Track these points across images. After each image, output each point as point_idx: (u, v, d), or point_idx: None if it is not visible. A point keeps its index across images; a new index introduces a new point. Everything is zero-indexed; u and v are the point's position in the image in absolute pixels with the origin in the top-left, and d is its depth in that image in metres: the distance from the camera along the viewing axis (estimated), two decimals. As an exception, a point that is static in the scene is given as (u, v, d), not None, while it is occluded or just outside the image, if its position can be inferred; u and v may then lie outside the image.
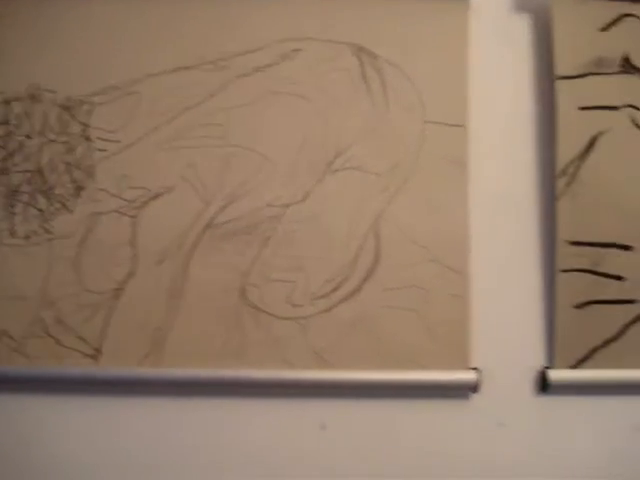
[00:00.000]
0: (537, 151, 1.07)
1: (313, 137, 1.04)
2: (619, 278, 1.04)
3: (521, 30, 1.08)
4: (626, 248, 1.04)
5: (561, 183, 1.04)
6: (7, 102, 1.04)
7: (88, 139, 1.04)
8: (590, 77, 1.06)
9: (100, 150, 1.04)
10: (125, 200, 1.03)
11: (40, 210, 1.03)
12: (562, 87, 1.05)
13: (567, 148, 1.04)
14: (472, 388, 1.02)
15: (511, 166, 1.06)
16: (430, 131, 1.05)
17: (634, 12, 1.07)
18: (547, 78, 1.06)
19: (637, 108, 1.06)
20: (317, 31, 1.05)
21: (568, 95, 1.05)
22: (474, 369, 1.01)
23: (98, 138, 1.04)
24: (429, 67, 1.05)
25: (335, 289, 1.02)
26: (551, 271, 1.04)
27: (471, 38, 1.06)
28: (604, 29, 1.07)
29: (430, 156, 1.04)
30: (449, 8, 1.06)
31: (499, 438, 1.03)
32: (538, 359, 1.04)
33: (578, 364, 1.03)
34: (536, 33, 1.08)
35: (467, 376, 1.01)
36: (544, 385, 1.03)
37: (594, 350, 1.03)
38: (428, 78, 1.05)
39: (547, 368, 1.03)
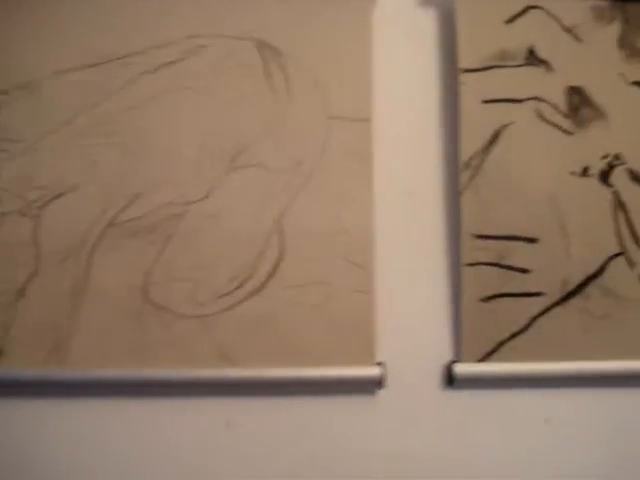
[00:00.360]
0: (442, 145, 1.06)
1: (216, 134, 1.03)
2: (525, 271, 1.04)
3: (426, 23, 1.08)
4: (531, 241, 1.04)
5: (465, 177, 1.03)
6: None
7: (-10, 139, 1.03)
8: (494, 70, 1.05)
9: (2, 150, 1.03)
10: (27, 200, 1.02)
11: (-59, 211, 1.02)
12: (465, 80, 1.04)
13: (470, 142, 1.04)
14: (377, 383, 1.01)
15: (416, 160, 1.06)
16: (335, 126, 1.04)
17: (539, 4, 1.07)
18: (452, 72, 1.05)
19: (542, 100, 1.06)
20: (221, 27, 1.05)
21: (471, 88, 1.04)
22: (379, 364, 1.01)
23: (0, 139, 1.03)
24: (334, 62, 1.05)
25: (239, 287, 1.02)
26: (457, 265, 1.03)
27: (376, 32, 1.05)
28: (509, 21, 1.07)
29: (335, 151, 1.04)
30: (354, 3, 1.06)
31: (406, 433, 1.03)
32: (446, 353, 1.04)
33: (485, 358, 1.03)
34: (441, 26, 1.08)
35: (372, 371, 1.01)
36: (451, 379, 1.03)
37: (501, 343, 1.03)
38: (333, 73, 1.05)
39: (454, 362, 1.03)
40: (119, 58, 1.04)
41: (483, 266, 1.03)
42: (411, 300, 1.04)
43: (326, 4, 1.06)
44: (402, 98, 1.07)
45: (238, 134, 1.03)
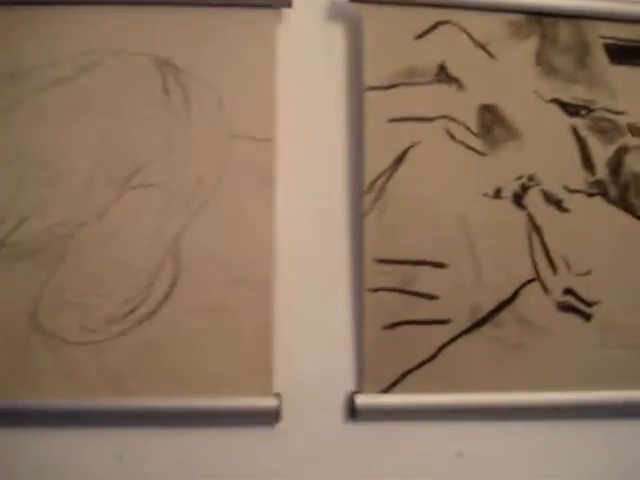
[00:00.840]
0: (348, 166, 1.02)
1: (111, 153, 0.99)
2: (432, 297, 0.99)
3: (334, 40, 1.04)
4: (439, 266, 0.99)
5: (369, 198, 0.99)
6: None
7: None
8: (402, 87, 1.01)
9: None
10: None
11: None
12: (371, 98, 1.00)
13: (375, 162, 0.99)
14: (274, 415, 0.96)
15: (321, 181, 1.02)
16: (236, 146, 1.00)
17: (451, 19, 1.03)
18: (360, 89, 1.01)
19: (452, 119, 1.01)
20: (118, 44, 1.01)
21: (377, 107, 1.00)
22: (276, 395, 0.96)
23: None
24: (236, 80, 1.01)
25: (131, 311, 0.97)
26: (360, 291, 0.99)
27: (281, 49, 1.01)
28: (419, 37, 1.03)
29: (236, 171, 1.00)
30: (258, 19, 1.02)
31: (305, 468, 0.98)
32: (348, 384, 0.99)
33: (389, 388, 0.98)
34: (349, 43, 1.04)
35: (268, 402, 0.96)
36: (353, 411, 0.98)
37: (406, 374, 0.98)
38: (235, 91, 1.01)
39: (356, 393, 0.98)
40: (11, 75, 1.00)
41: (387, 292, 0.98)
42: (313, 327, 0.99)
43: (229, 19, 1.02)
44: (307, 116, 1.03)
45: (135, 152, 0.99)
